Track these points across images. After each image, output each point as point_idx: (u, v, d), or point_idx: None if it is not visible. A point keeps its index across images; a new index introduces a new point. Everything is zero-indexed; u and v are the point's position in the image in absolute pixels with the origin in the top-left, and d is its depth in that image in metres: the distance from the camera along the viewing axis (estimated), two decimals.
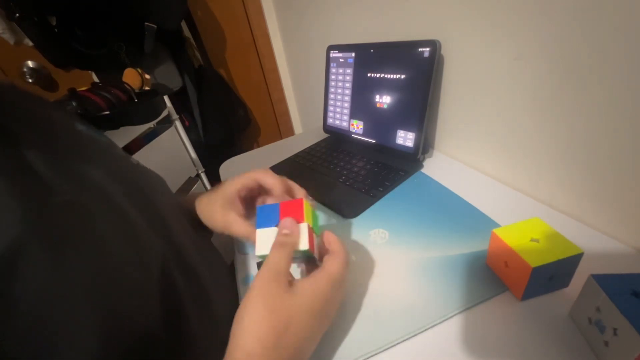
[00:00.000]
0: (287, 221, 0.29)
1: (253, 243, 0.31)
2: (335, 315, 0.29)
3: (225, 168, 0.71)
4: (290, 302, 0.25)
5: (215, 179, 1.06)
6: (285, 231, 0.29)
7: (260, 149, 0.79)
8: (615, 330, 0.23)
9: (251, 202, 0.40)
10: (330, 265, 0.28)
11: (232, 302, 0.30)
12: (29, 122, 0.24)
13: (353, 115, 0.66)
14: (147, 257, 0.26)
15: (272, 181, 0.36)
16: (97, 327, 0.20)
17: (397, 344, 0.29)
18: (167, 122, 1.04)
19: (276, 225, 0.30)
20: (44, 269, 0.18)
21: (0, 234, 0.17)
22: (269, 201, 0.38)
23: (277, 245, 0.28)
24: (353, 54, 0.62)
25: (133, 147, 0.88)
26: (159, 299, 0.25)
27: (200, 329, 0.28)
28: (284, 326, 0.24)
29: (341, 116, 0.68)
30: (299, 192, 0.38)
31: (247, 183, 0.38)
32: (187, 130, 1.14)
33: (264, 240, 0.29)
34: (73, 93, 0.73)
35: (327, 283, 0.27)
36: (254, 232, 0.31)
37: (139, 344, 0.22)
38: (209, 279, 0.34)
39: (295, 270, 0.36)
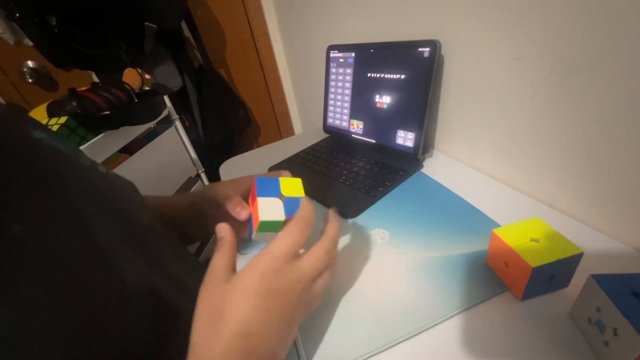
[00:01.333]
0: (221, 227, 0.30)
1: (230, 207, 0.34)
2: (304, 294, 0.26)
3: (225, 168, 0.71)
4: (224, 287, 0.25)
5: (215, 179, 1.06)
6: (220, 235, 0.30)
7: (260, 149, 0.79)
8: (615, 330, 0.23)
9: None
10: (275, 241, 0.26)
11: None
12: None
13: (353, 115, 0.66)
14: (121, 276, 0.24)
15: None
16: (66, 355, 0.19)
17: (397, 344, 0.29)
18: (167, 122, 1.04)
19: (278, 197, 0.31)
20: None
21: None
22: None
23: (217, 248, 0.29)
24: (353, 54, 0.62)
25: (133, 147, 0.88)
26: (138, 316, 0.24)
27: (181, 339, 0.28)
28: (217, 310, 0.24)
29: (341, 116, 0.68)
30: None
31: (248, 177, 0.39)
32: (187, 130, 1.14)
33: (266, 207, 0.30)
34: (73, 93, 0.73)
35: (266, 260, 0.26)
36: (234, 196, 0.34)
37: None
38: (192, 286, 0.33)
39: None
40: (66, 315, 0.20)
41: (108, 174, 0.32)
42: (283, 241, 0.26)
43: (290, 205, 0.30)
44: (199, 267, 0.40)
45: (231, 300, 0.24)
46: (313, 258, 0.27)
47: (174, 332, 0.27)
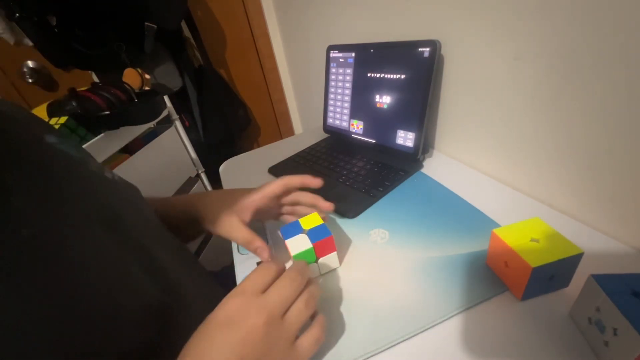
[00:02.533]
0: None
1: (251, 249, 0.37)
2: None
3: (225, 168, 0.71)
4: (201, 325, 0.25)
5: (215, 179, 1.06)
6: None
7: (260, 149, 0.79)
8: (615, 330, 0.23)
9: (260, 213, 0.41)
10: (242, 281, 0.27)
11: None
12: None
13: (353, 115, 0.65)
14: (121, 286, 0.25)
15: (299, 179, 0.39)
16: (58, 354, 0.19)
17: (397, 344, 0.29)
18: (167, 122, 1.04)
19: (302, 233, 0.36)
20: None
21: None
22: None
23: None
24: (353, 54, 0.62)
25: (133, 147, 0.87)
26: (135, 326, 0.24)
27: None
28: (188, 343, 0.24)
29: (341, 116, 0.68)
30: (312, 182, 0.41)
31: (271, 192, 0.39)
32: (187, 130, 1.14)
33: (294, 244, 0.35)
34: (73, 93, 0.73)
35: (233, 295, 0.26)
36: (255, 239, 0.36)
37: None
38: (193, 291, 0.33)
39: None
40: (64, 317, 0.20)
41: (114, 180, 0.33)
42: (249, 278, 0.27)
43: (314, 233, 0.35)
44: (203, 278, 0.40)
45: (197, 332, 0.25)
46: (277, 286, 0.27)
47: (169, 345, 0.26)
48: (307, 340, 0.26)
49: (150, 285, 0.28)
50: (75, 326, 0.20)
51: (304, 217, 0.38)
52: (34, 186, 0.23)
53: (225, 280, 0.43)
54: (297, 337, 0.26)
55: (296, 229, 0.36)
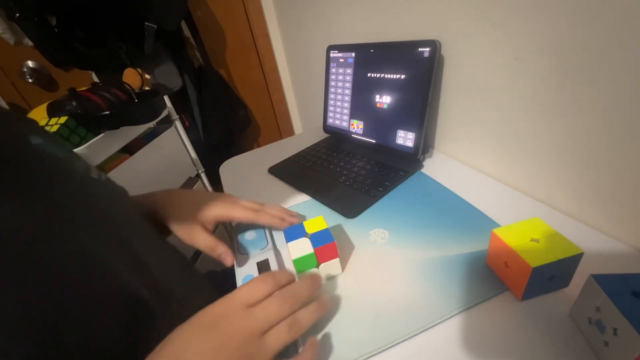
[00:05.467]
0: None
1: (215, 256, 0.38)
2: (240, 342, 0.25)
3: (225, 168, 0.71)
4: (185, 323, 0.26)
5: (215, 179, 1.06)
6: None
7: (260, 149, 0.79)
8: (615, 330, 0.23)
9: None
10: (238, 288, 0.28)
11: None
12: None
13: (353, 115, 0.66)
14: (101, 282, 0.25)
15: (241, 214, 0.40)
16: (35, 356, 0.20)
17: (397, 344, 0.29)
18: (167, 122, 1.04)
19: (305, 236, 0.36)
20: None
21: None
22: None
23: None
24: (353, 54, 0.62)
25: (133, 147, 0.87)
26: (115, 321, 0.25)
27: None
28: (170, 336, 0.25)
29: (341, 116, 0.68)
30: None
31: (237, 218, 0.41)
32: (187, 130, 1.14)
33: (295, 247, 0.35)
34: (73, 93, 0.73)
35: (223, 302, 0.27)
36: (218, 246, 0.38)
37: None
38: (182, 292, 0.34)
39: None
40: (41, 310, 0.21)
41: (100, 180, 0.33)
42: (243, 288, 0.27)
43: (317, 238, 0.35)
44: (196, 281, 0.40)
45: (178, 329, 0.25)
46: (266, 304, 0.27)
47: (150, 340, 0.27)
48: None
49: (134, 281, 0.28)
50: (56, 320, 0.21)
51: (309, 220, 0.38)
52: (15, 186, 0.23)
53: (225, 280, 0.44)
54: (277, 356, 0.26)
55: (299, 232, 0.36)
